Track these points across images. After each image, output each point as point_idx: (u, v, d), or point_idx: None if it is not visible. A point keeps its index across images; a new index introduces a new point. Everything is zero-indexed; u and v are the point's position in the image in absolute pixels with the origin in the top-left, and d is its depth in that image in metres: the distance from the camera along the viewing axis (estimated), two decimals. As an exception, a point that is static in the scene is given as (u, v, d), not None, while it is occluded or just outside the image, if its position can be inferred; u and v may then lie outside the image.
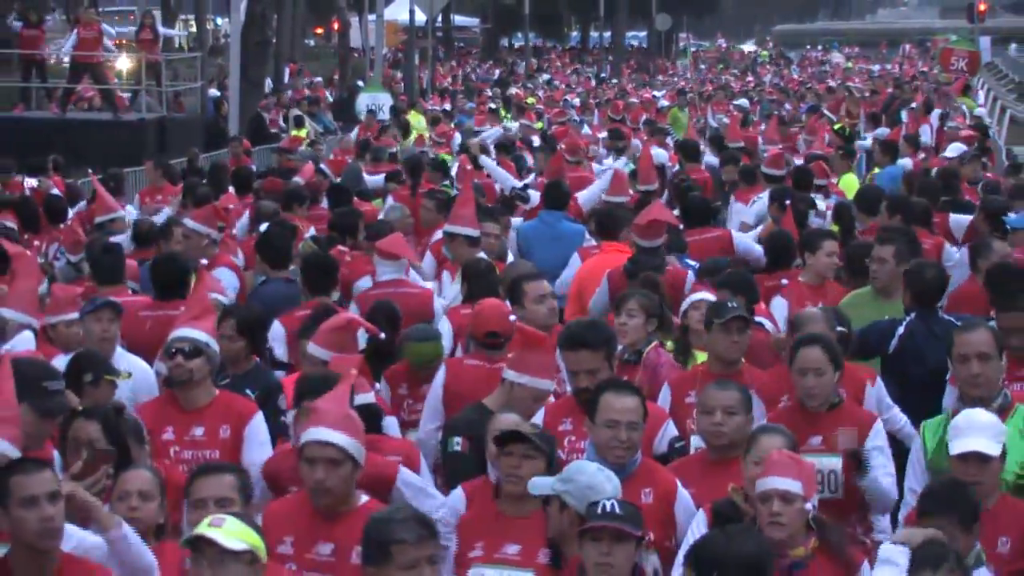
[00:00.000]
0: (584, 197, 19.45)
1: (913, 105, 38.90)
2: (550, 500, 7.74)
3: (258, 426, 9.79)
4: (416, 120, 41.00)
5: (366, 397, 9.51)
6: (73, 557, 7.35)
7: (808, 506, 7.74)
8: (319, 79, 60.41)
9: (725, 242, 16.49)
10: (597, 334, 10.15)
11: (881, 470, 9.60)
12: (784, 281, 14.07)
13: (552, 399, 10.21)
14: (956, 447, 8.34)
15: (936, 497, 7.82)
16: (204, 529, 6.69)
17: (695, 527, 8.30)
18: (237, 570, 6.56)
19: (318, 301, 13.02)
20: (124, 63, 43.35)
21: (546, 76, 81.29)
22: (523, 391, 9.62)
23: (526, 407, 9.47)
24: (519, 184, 21.37)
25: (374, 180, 24.09)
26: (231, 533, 6.64)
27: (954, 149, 24.65)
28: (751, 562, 6.64)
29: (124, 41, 48.69)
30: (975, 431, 8.44)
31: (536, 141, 32.15)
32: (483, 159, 23.02)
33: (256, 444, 9.66)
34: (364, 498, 8.05)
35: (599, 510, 7.30)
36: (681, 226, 16.58)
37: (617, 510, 7.29)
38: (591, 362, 9.79)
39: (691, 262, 14.68)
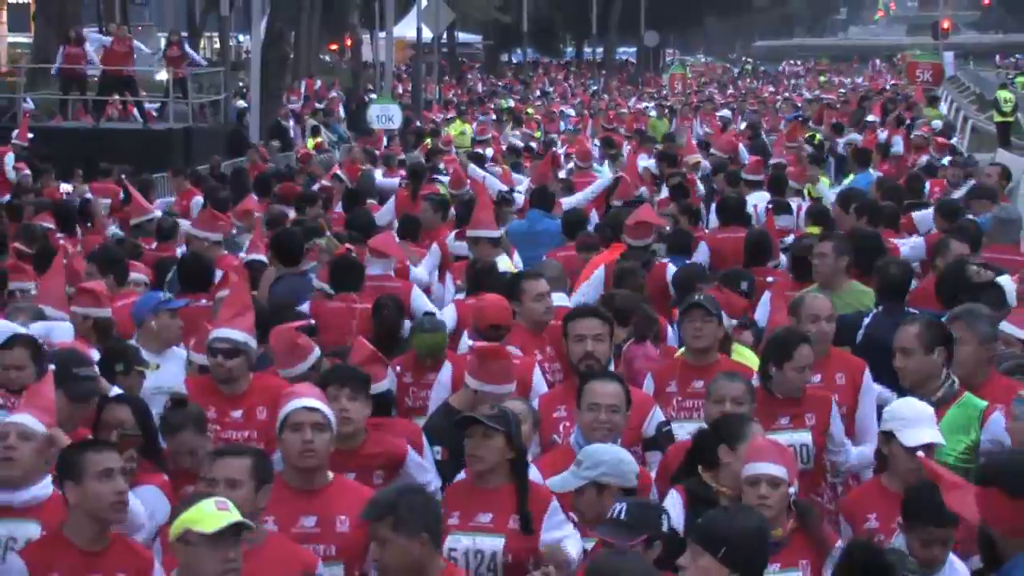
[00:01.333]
0: (568, 202, 19.43)
1: (870, 117, 38.82)
2: (584, 490, 7.72)
3: None
4: (460, 129, 41.01)
5: (380, 387, 9.59)
6: (119, 535, 7.39)
7: (791, 490, 7.77)
8: (335, 94, 60.25)
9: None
10: (604, 309, 10.84)
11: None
12: (770, 279, 14.17)
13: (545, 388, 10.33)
14: (909, 438, 8.33)
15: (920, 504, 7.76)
16: (186, 522, 6.66)
17: (671, 507, 8.18)
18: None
19: (348, 297, 13.16)
20: (155, 75, 43.33)
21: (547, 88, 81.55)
22: (484, 396, 9.61)
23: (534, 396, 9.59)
24: (505, 188, 21.36)
25: (391, 183, 24.12)
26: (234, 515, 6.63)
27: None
28: (757, 535, 6.62)
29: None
30: (922, 422, 8.49)
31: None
32: (471, 168, 23.01)
33: None
34: (331, 475, 8.07)
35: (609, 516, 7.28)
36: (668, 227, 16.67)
37: (623, 516, 7.22)
38: (599, 328, 10.05)
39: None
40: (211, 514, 6.54)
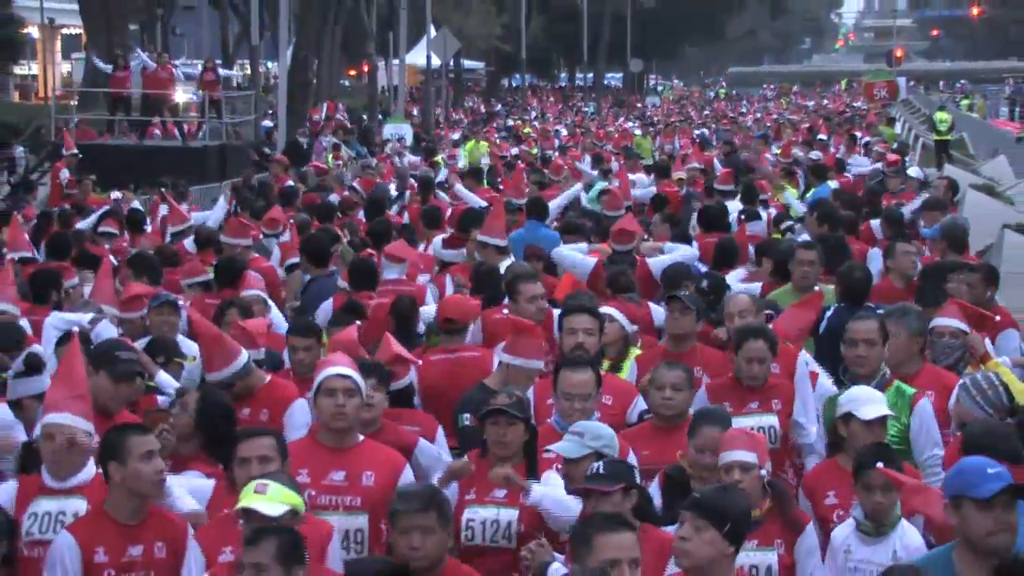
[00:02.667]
0: (552, 204, 19.40)
1: (821, 136, 38.99)
2: (585, 458, 7.62)
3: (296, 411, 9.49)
4: (478, 146, 41.02)
5: (403, 382, 9.61)
6: (155, 507, 7.37)
7: (763, 472, 7.71)
8: (363, 117, 60.23)
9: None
10: (594, 305, 10.75)
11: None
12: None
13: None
14: (866, 413, 8.37)
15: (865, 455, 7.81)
16: (248, 499, 6.66)
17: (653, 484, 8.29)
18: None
19: (365, 295, 13.00)
20: (192, 98, 43.37)
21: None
22: (517, 371, 9.59)
23: (520, 383, 9.45)
24: (483, 204, 21.28)
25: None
26: (272, 499, 6.61)
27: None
28: (747, 513, 6.71)
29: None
30: (875, 401, 8.54)
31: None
32: (457, 187, 22.97)
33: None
34: (362, 437, 8.07)
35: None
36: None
37: (602, 470, 7.23)
38: (589, 323, 10.05)
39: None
40: (273, 497, 6.61)
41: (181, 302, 12.41)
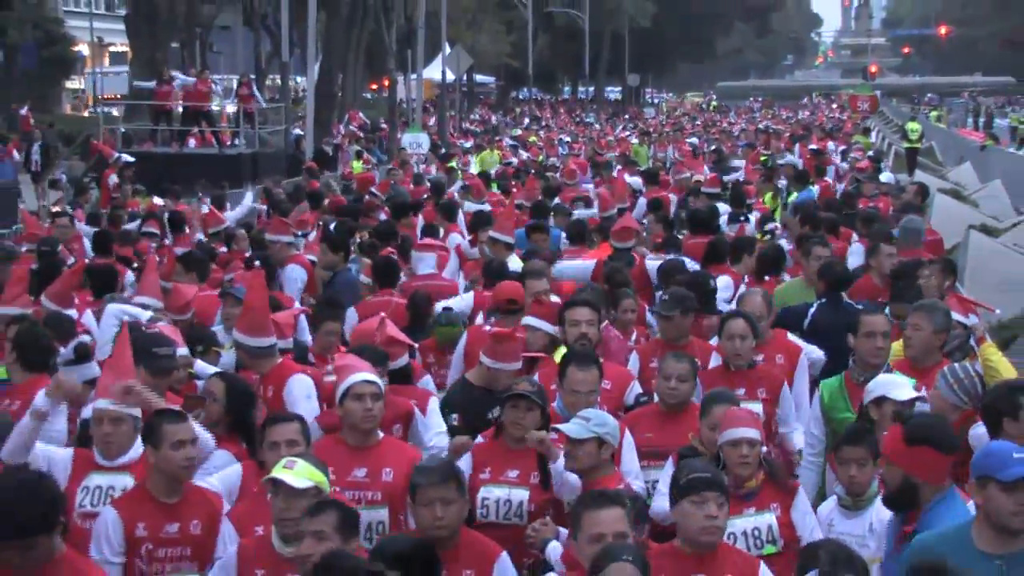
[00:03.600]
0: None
1: (811, 146, 38.98)
2: (588, 441, 7.60)
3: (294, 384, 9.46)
4: (491, 155, 40.98)
5: (400, 362, 9.54)
6: (195, 485, 7.40)
7: (763, 449, 7.76)
8: (383, 126, 60.14)
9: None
10: (596, 299, 10.74)
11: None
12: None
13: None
14: (900, 395, 8.32)
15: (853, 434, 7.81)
16: (278, 472, 6.66)
17: (666, 465, 8.31)
18: (305, 502, 6.50)
19: (386, 292, 13.06)
20: (228, 109, 43.44)
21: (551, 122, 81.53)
22: (497, 372, 9.47)
23: (501, 381, 9.34)
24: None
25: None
26: (299, 474, 6.61)
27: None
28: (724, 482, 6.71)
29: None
30: (906, 385, 8.51)
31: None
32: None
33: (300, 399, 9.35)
34: (381, 435, 8.04)
35: None
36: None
37: None
38: (589, 315, 10.00)
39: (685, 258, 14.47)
40: (301, 473, 6.58)
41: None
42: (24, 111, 51.12)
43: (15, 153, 37.58)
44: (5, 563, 5.94)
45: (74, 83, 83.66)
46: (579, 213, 19.54)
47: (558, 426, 7.89)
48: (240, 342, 9.60)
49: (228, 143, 41.73)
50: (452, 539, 6.75)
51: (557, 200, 21.86)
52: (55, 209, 24.31)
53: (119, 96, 61.16)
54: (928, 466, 6.77)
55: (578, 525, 6.19)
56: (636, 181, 25.78)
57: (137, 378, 8.18)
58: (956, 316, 10.44)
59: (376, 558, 5.77)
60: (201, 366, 9.89)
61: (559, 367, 8.98)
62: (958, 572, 5.54)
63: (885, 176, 26.66)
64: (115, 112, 50.33)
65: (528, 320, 10.42)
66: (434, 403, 9.47)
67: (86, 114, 68.49)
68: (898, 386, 8.46)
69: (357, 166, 38.39)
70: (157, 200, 25.06)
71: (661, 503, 8.02)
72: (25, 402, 8.62)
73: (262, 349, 9.48)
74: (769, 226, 19.02)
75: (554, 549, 7.12)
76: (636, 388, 9.76)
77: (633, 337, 11.69)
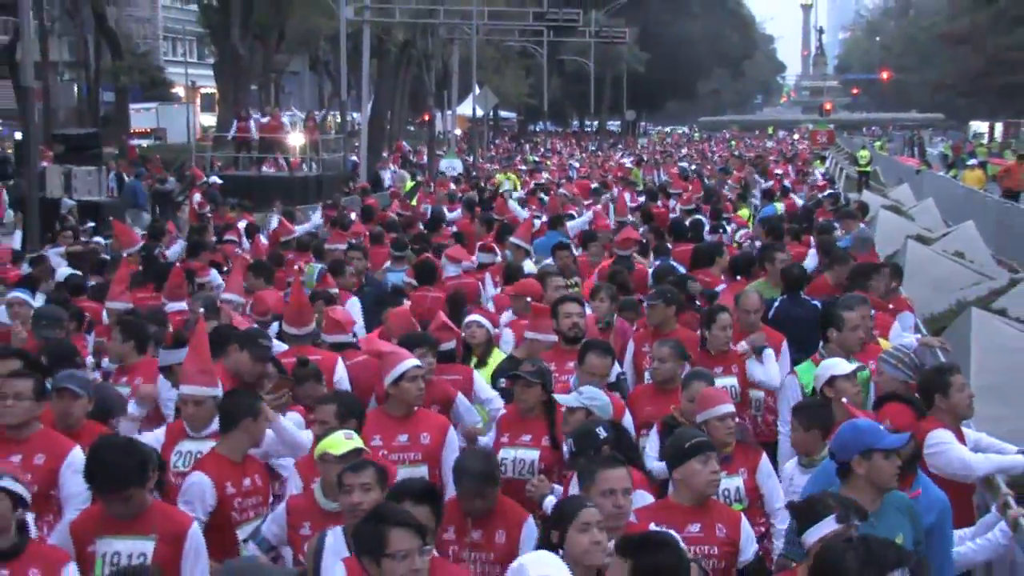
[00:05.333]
0: (572, 224, 19.39)
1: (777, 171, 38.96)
2: (578, 410, 7.58)
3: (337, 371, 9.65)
4: (509, 178, 40.94)
5: (448, 345, 9.55)
6: (251, 454, 7.40)
7: (737, 419, 7.74)
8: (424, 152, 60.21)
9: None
10: (580, 297, 10.77)
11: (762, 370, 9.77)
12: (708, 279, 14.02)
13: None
14: (844, 368, 8.32)
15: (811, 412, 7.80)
16: (323, 447, 6.58)
17: (654, 429, 8.29)
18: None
19: (424, 288, 13.08)
20: (297, 140, 43.51)
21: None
22: (537, 343, 9.56)
23: (539, 351, 9.43)
24: (527, 215, 21.28)
25: (452, 215, 24.13)
26: (337, 445, 6.49)
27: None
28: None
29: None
30: (844, 362, 8.52)
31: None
32: (511, 204, 23.12)
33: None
34: (416, 408, 7.98)
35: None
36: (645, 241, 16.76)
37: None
38: (578, 309, 9.91)
39: (673, 262, 14.52)
40: (341, 442, 6.49)
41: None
42: (132, 142, 51.44)
43: (124, 176, 37.61)
44: (110, 511, 6.04)
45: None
46: (573, 224, 19.48)
47: (557, 396, 7.88)
48: (292, 334, 9.95)
49: (297, 168, 41.76)
50: (491, 507, 6.68)
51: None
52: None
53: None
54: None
55: (592, 480, 6.12)
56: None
57: (239, 361, 8.50)
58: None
59: (403, 495, 5.67)
60: None
61: (579, 352, 8.88)
62: (848, 503, 5.56)
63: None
64: (206, 142, 50.50)
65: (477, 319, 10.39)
66: (478, 376, 9.47)
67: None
68: (838, 365, 8.41)
69: (408, 185, 38.39)
70: (241, 223, 25.19)
71: (652, 464, 8.00)
72: (148, 377, 9.04)
73: (300, 338, 9.87)
74: (739, 235, 19.02)
75: (550, 503, 7.08)
76: (616, 368, 9.63)
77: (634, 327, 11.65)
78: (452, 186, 34.87)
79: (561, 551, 5.41)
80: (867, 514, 5.63)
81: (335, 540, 5.90)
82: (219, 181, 32.25)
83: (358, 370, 9.67)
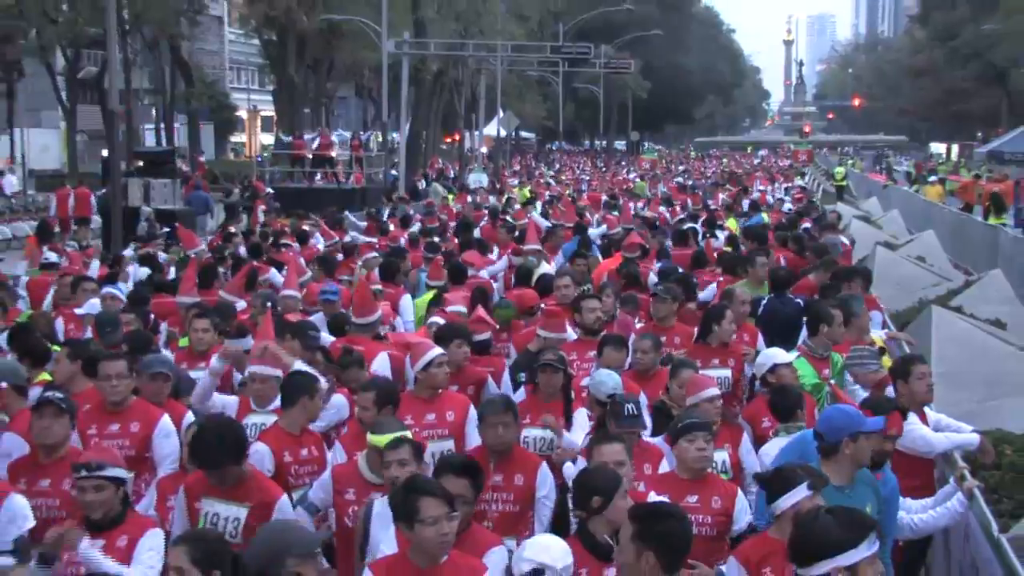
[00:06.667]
0: (592, 233, 19.30)
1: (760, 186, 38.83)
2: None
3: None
4: (522, 191, 41.02)
5: (483, 337, 9.56)
6: (309, 429, 7.38)
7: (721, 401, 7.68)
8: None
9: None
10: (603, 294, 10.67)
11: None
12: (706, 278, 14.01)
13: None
14: (786, 357, 8.35)
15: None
16: (371, 440, 6.48)
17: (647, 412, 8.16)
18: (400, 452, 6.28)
19: (456, 288, 13.04)
20: (343, 156, 43.59)
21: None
22: (551, 340, 9.44)
23: (549, 348, 9.35)
24: (548, 224, 21.23)
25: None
26: (382, 439, 6.36)
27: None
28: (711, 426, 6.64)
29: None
30: (781, 353, 8.49)
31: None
32: (533, 215, 23.06)
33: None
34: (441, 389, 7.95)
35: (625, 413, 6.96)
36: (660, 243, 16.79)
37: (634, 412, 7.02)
38: (599, 304, 9.89)
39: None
40: (387, 440, 6.40)
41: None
42: (202, 158, 51.59)
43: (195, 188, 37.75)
44: (210, 480, 6.14)
45: (236, 138, 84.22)
46: (592, 233, 19.44)
47: (587, 379, 7.81)
48: (357, 323, 10.01)
49: (344, 180, 41.79)
50: (509, 452, 6.73)
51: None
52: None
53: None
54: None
55: (591, 455, 6.18)
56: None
57: (292, 349, 8.49)
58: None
59: (445, 470, 5.64)
60: None
61: (598, 345, 8.86)
62: (814, 473, 5.53)
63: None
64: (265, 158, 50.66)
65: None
66: (507, 368, 9.45)
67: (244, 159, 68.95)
68: (779, 355, 8.40)
69: (449, 198, 38.41)
70: (282, 220, 25.24)
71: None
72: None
73: (371, 324, 9.95)
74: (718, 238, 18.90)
75: (568, 470, 7.08)
76: None
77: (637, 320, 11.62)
78: (478, 197, 34.86)
79: (582, 519, 5.45)
80: (828, 481, 5.59)
81: (383, 507, 5.89)
82: (271, 193, 32.30)
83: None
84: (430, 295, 12.41)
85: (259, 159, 52.77)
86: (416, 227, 21.38)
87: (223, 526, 6.01)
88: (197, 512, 6.10)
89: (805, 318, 9.87)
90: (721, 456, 7.44)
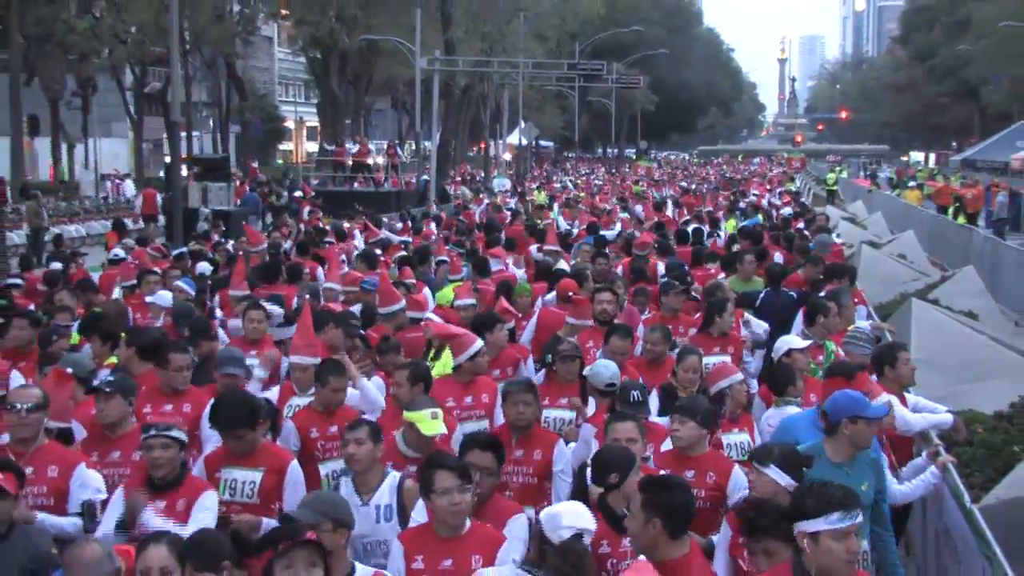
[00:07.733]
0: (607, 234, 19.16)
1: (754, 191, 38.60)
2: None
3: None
4: (539, 194, 40.93)
5: (510, 325, 9.60)
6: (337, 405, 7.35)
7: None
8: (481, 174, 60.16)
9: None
10: (614, 286, 10.46)
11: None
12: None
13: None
14: (800, 344, 8.25)
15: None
16: (427, 428, 6.34)
17: (653, 394, 8.02)
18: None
19: (482, 282, 12.97)
20: (380, 162, 43.61)
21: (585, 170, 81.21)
22: (577, 327, 9.50)
23: (578, 332, 9.42)
24: (567, 226, 21.21)
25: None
26: (432, 426, 6.32)
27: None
28: (708, 410, 6.50)
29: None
30: (796, 340, 8.43)
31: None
32: (554, 214, 23.08)
33: None
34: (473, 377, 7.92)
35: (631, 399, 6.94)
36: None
37: (640, 398, 6.98)
38: (610, 297, 9.77)
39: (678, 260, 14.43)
40: (430, 424, 6.30)
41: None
42: (254, 164, 51.74)
43: (247, 190, 37.83)
44: (229, 448, 6.18)
45: (284, 146, 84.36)
46: (608, 235, 19.37)
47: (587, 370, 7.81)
48: (383, 312, 10.16)
49: (381, 185, 41.81)
50: (529, 429, 6.73)
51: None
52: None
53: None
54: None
55: (607, 432, 6.15)
56: (639, 208, 25.78)
57: (334, 336, 8.55)
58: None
59: (472, 444, 5.62)
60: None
61: (605, 334, 8.79)
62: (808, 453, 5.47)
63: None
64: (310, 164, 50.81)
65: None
66: (530, 355, 9.42)
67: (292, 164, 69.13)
68: (795, 342, 8.34)
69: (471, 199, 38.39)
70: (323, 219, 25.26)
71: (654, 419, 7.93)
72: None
73: (395, 312, 10.10)
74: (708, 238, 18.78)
75: (575, 447, 7.03)
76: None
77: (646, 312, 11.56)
78: (499, 199, 34.84)
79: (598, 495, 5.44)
80: (811, 462, 5.53)
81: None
82: (314, 196, 32.29)
83: (411, 342, 9.64)
84: (451, 288, 12.41)
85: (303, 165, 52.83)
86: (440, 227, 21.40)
87: (241, 489, 6.07)
88: (217, 481, 6.11)
89: (803, 309, 9.80)
90: (743, 437, 7.28)
